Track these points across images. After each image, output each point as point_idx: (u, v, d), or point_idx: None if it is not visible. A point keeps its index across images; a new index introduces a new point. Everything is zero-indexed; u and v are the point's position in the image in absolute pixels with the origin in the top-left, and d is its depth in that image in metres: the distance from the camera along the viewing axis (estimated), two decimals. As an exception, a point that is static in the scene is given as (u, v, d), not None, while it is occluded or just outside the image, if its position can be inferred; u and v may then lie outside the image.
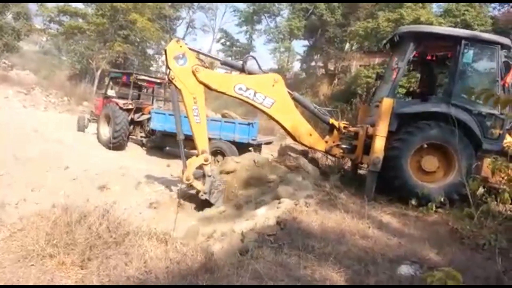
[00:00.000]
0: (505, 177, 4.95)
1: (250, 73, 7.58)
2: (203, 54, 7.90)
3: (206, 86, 7.01)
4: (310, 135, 7.92)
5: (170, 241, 3.79)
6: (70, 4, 29.45)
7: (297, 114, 7.77)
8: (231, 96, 7.28)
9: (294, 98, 7.87)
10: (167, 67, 6.97)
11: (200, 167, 7.09)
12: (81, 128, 15.22)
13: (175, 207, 6.70)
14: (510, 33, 23.18)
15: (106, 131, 13.64)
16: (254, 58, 8.29)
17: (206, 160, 6.99)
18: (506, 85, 7.08)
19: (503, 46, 7.16)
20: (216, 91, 7.16)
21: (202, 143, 7.05)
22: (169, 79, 7.02)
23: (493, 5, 27.05)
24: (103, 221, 3.82)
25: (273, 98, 7.34)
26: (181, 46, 6.91)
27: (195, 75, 6.86)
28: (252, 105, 7.39)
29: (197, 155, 7.10)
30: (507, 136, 7.35)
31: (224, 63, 8.17)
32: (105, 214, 3.92)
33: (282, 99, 7.46)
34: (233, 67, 8.09)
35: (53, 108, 21.70)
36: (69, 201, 4.34)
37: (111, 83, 15.64)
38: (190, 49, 7.09)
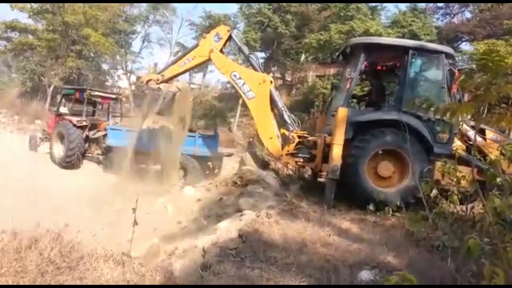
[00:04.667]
0: (454, 179, 5.17)
1: (250, 63, 9.37)
2: (238, 46, 10.05)
3: (213, 63, 9.21)
4: (271, 138, 8.42)
5: (127, 262, 3.66)
6: (18, 19, 28.28)
7: (268, 116, 8.52)
8: (227, 78, 9.08)
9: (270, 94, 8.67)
10: (209, 31, 9.73)
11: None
12: (33, 147, 14.54)
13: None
14: (454, 41, 24.64)
15: (59, 150, 13.13)
16: (257, 57, 10.06)
17: (157, 80, 9.41)
18: (453, 91, 7.47)
19: (447, 55, 7.58)
20: (218, 69, 9.13)
21: (171, 73, 9.50)
22: (204, 35, 9.73)
23: (437, 15, 28.71)
24: (55, 245, 3.63)
25: (255, 93, 8.47)
26: (225, 33, 9.06)
27: (209, 52, 8.90)
28: (239, 92, 8.84)
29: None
30: (456, 140, 7.73)
31: (239, 47, 9.98)
32: (58, 237, 3.73)
33: (261, 98, 8.47)
34: (243, 52, 9.87)
35: (3, 127, 20.64)
36: (19, 226, 4.11)
37: (63, 100, 15.09)
38: (231, 39, 9.28)
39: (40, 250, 3.62)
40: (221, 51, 9.09)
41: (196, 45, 9.50)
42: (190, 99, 10.09)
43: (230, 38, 9.25)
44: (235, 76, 8.65)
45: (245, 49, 9.94)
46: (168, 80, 9.64)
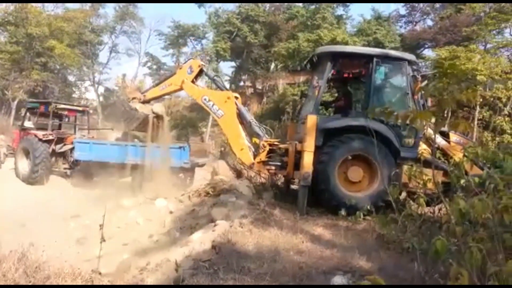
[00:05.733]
0: (421, 182, 5.31)
1: (215, 84, 10.05)
2: (205, 72, 10.10)
3: (185, 92, 10.21)
4: (242, 149, 8.65)
5: (96, 280, 3.56)
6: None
7: (237, 129, 8.88)
8: (199, 103, 9.69)
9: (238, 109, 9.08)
10: (186, 62, 10.60)
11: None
12: (-3, 164, 13.99)
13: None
14: (417, 48, 25.48)
15: (25, 165, 12.74)
16: (219, 77, 10.86)
17: (139, 99, 10.28)
18: (415, 97, 7.70)
19: (410, 62, 7.83)
20: (190, 96, 10.47)
21: (152, 95, 10.44)
22: (180, 66, 10.84)
23: (400, 23, 29.69)
24: (19, 265, 3.49)
25: (223, 111, 8.98)
26: (197, 67, 9.72)
27: (181, 83, 9.67)
28: (211, 113, 9.60)
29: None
30: (422, 143, 7.96)
31: (205, 73, 10.23)
32: (22, 257, 3.59)
33: (229, 114, 8.97)
34: (208, 75, 10.33)
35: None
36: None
37: (28, 114, 14.64)
38: (203, 71, 9.79)
39: (4, 272, 3.47)
40: (193, 81, 9.79)
41: (174, 73, 10.47)
42: (167, 120, 10.75)
43: (201, 71, 9.95)
44: (205, 99, 9.26)
45: (211, 73, 10.57)
46: (149, 101, 10.50)
